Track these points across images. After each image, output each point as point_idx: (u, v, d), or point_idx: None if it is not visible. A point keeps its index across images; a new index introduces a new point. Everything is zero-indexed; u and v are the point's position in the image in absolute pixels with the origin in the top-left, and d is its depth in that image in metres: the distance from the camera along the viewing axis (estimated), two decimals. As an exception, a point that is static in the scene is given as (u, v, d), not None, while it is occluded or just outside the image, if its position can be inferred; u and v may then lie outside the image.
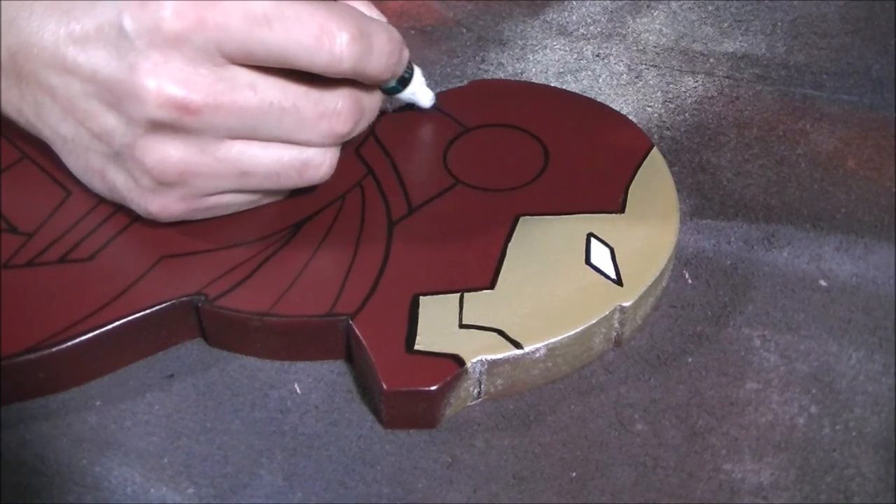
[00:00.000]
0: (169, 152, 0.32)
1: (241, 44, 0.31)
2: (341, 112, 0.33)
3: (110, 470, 0.32)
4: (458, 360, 0.32)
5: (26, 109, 0.34)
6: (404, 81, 0.38)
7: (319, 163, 0.34)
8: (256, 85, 0.32)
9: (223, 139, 0.32)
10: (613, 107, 0.43)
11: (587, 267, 0.35)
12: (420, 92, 0.40)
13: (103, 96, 0.31)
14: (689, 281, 0.38)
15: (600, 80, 0.46)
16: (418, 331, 0.33)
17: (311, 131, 0.33)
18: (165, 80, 0.30)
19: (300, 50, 0.31)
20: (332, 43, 0.31)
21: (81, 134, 0.33)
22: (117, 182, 0.34)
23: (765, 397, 0.34)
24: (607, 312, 0.34)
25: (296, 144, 0.34)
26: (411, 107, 0.40)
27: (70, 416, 0.33)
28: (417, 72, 0.39)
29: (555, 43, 0.48)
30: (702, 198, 0.41)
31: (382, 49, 0.33)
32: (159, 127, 0.31)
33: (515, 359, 0.33)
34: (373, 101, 0.36)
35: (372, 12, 0.36)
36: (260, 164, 0.33)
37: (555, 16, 0.50)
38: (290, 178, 0.34)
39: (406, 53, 0.36)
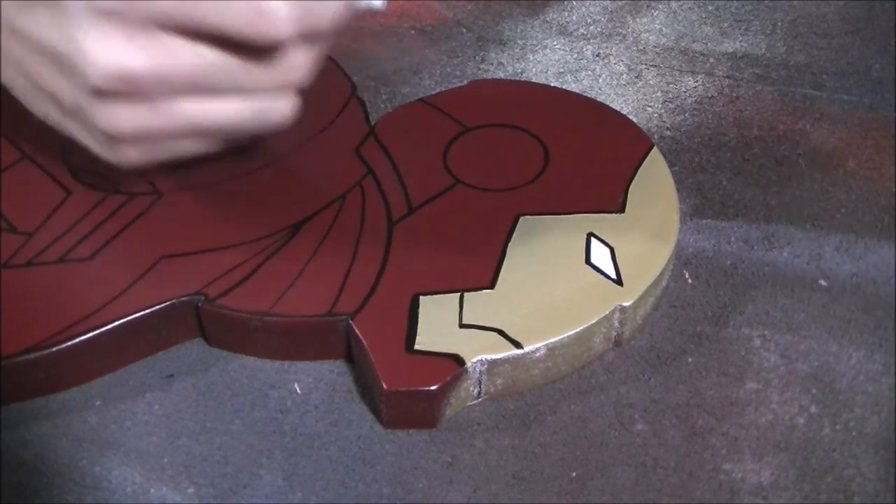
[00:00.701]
0: (119, 114, 0.32)
1: (175, 20, 0.30)
2: (294, 62, 0.32)
3: (110, 470, 0.32)
4: (458, 360, 0.32)
5: None
6: None
7: (278, 109, 0.33)
8: (197, 47, 0.31)
9: (172, 99, 0.32)
10: (613, 107, 0.43)
11: (587, 267, 0.35)
12: None
13: (51, 63, 0.31)
14: (689, 281, 0.38)
15: (600, 80, 0.46)
16: (418, 331, 0.33)
17: (265, 82, 0.32)
18: (104, 54, 0.30)
19: (235, 27, 0.30)
20: (269, 16, 0.30)
21: (37, 92, 0.33)
22: (79, 136, 0.34)
23: (765, 397, 0.34)
24: (607, 312, 0.34)
25: (250, 93, 0.32)
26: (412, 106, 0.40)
27: (70, 416, 0.33)
28: None
29: (555, 43, 0.48)
30: (702, 198, 0.41)
31: (327, 7, 0.31)
32: (107, 94, 0.31)
33: (515, 359, 0.33)
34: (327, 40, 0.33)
35: None
36: (214, 118, 0.33)
37: (555, 16, 0.50)
38: (249, 126, 0.34)
39: None
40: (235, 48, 0.31)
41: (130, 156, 0.34)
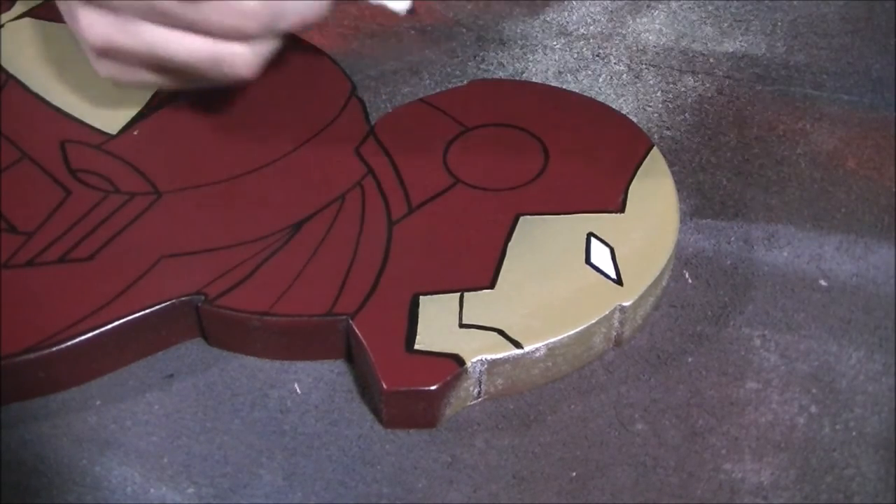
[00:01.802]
0: (96, 20, 0.35)
1: None
2: (248, 9, 0.34)
3: (110, 470, 0.32)
4: (458, 360, 0.32)
5: None
6: None
7: (232, 61, 0.35)
8: None
9: (141, 21, 0.34)
10: (613, 107, 0.43)
11: (587, 267, 0.35)
12: None
13: None
14: (689, 281, 0.38)
15: (600, 80, 0.46)
16: (418, 330, 0.33)
17: (217, 27, 0.34)
18: None
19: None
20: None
21: None
22: (76, 35, 0.37)
23: (765, 397, 0.34)
24: (607, 312, 0.34)
25: (209, 37, 0.35)
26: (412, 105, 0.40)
27: (70, 416, 0.33)
28: None
29: (555, 43, 0.48)
30: (702, 198, 0.41)
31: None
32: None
33: (515, 358, 0.33)
34: (298, 2, 0.35)
35: None
36: (174, 52, 0.35)
37: (555, 16, 0.50)
38: (206, 69, 0.36)
39: None
40: None
41: (112, 71, 0.37)
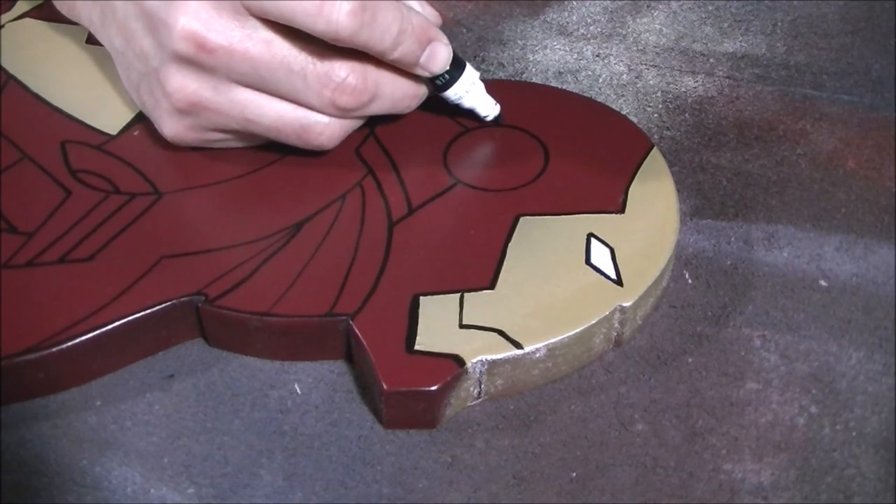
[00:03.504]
0: (186, 83, 0.35)
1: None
2: (347, 85, 0.35)
3: (110, 470, 0.32)
4: (458, 360, 0.32)
5: (95, 18, 0.39)
6: (446, 80, 0.38)
7: (320, 131, 0.36)
8: (272, 41, 0.34)
9: (234, 83, 0.35)
10: (613, 107, 0.43)
11: (587, 267, 0.35)
12: (475, 98, 0.40)
13: (145, 21, 0.35)
14: (689, 281, 0.38)
15: (600, 80, 0.46)
16: (418, 331, 0.33)
17: (315, 97, 0.35)
18: (192, 19, 0.34)
19: (303, 12, 0.33)
20: (332, 10, 0.33)
21: (128, 51, 0.37)
22: (147, 100, 0.37)
23: (765, 397, 0.34)
24: (607, 312, 0.34)
25: (301, 106, 0.36)
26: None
27: (70, 416, 0.33)
28: (470, 75, 0.39)
29: (555, 43, 0.48)
30: (702, 198, 0.41)
31: (388, 26, 0.34)
32: (181, 59, 0.35)
33: (515, 359, 0.33)
34: (396, 88, 0.37)
35: (415, 4, 0.38)
36: (263, 115, 0.36)
37: (555, 16, 0.50)
38: (289, 136, 0.37)
39: (440, 50, 0.37)
40: (304, 58, 0.35)
41: (183, 134, 0.37)
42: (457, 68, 0.38)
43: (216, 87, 0.35)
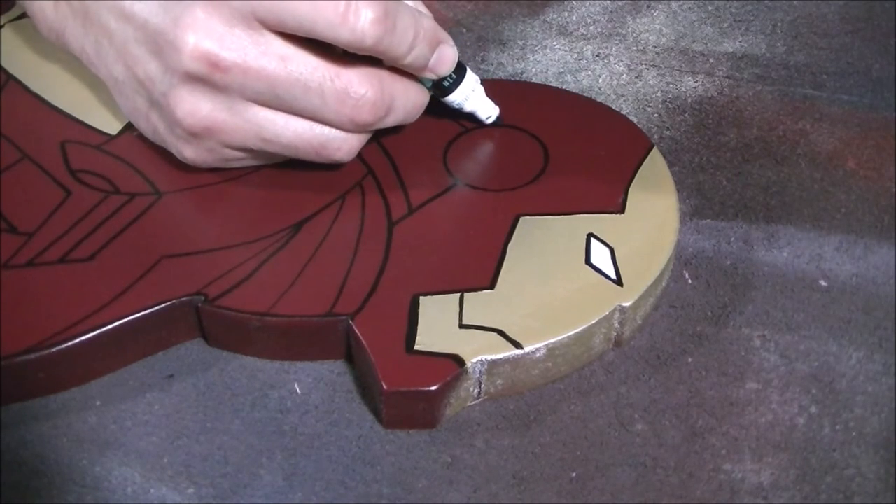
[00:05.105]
0: (199, 105, 0.34)
1: (272, 9, 0.32)
2: (366, 101, 0.34)
3: (110, 470, 0.32)
4: (458, 361, 0.32)
5: (88, 48, 0.37)
6: (449, 84, 0.38)
7: (338, 146, 0.36)
8: (288, 57, 0.33)
9: (249, 102, 0.34)
10: (613, 107, 0.43)
11: (587, 267, 0.35)
12: (476, 102, 0.40)
13: (150, 44, 0.34)
14: (689, 281, 0.38)
15: (600, 80, 0.46)
16: (418, 331, 0.33)
17: (333, 113, 0.34)
18: (203, 36, 0.32)
19: (324, 22, 0.32)
20: (357, 19, 0.32)
21: (130, 78, 0.35)
22: (158, 127, 0.36)
23: (765, 397, 0.34)
24: (607, 312, 0.34)
25: (318, 122, 0.35)
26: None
27: (70, 416, 0.33)
28: (471, 79, 0.39)
29: (555, 43, 0.48)
30: (702, 198, 0.41)
31: (406, 31, 0.34)
32: (193, 80, 0.33)
33: (515, 359, 0.33)
34: (408, 99, 0.36)
35: (419, 6, 0.37)
36: (280, 134, 0.35)
37: (555, 16, 0.50)
38: (307, 152, 0.36)
39: (448, 52, 0.36)
40: (321, 75, 0.33)
41: (202, 156, 0.36)
42: (458, 71, 0.38)
43: (231, 107, 0.34)
